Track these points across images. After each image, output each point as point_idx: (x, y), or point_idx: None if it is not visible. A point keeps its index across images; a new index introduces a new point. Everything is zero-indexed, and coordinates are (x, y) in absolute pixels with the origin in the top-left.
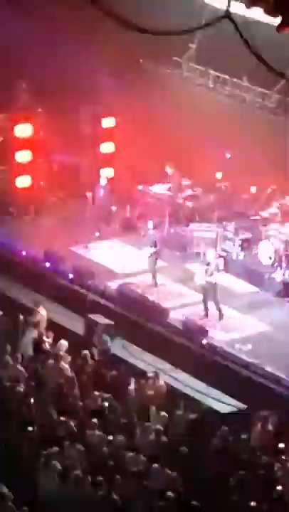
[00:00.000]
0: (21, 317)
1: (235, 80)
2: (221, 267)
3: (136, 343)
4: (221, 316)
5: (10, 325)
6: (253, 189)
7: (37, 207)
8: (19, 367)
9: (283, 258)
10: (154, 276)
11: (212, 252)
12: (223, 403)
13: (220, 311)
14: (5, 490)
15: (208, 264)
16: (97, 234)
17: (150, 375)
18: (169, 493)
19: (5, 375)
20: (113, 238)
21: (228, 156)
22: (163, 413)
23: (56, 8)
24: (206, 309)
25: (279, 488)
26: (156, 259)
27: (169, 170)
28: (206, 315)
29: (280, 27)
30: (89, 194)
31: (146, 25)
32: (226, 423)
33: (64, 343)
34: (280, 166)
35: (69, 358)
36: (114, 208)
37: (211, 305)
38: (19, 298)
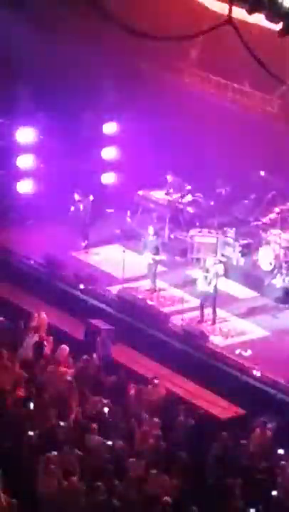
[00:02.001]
0: (22, 322)
1: (236, 85)
2: (221, 273)
3: (136, 348)
4: (214, 321)
5: (11, 330)
6: (254, 195)
7: (38, 211)
8: (19, 371)
9: (283, 264)
10: (153, 281)
11: (211, 259)
12: (223, 408)
13: (214, 316)
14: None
15: (207, 271)
16: (83, 244)
17: (150, 380)
18: (168, 499)
19: (5, 380)
20: (114, 243)
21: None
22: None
23: (58, 12)
24: (202, 315)
25: (278, 493)
26: (157, 264)
27: (169, 178)
28: (202, 320)
29: (282, 33)
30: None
31: (148, 30)
32: (225, 428)
33: (64, 348)
34: (281, 172)
35: (69, 363)
36: (111, 211)
37: (207, 311)
38: (20, 303)
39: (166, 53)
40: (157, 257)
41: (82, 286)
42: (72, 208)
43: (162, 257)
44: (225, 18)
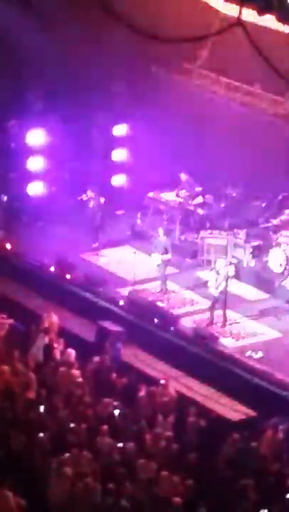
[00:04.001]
0: (33, 324)
1: (247, 87)
2: (232, 274)
3: (146, 349)
4: (224, 323)
5: (22, 332)
6: (264, 196)
7: (48, 213)
8: (30, 374)
9: None
10: (164, 283)
11: (222, 261)
12: (234, 410)
13: (225, 318)
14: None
15: (217, 272)
16: (94, 246)
17: (161, 382)
18: (179, 500)
19: (16, 382)
20: (124, 245)
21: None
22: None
23: (69, 15)
24: (213, 317)
25: None
26: (166, 266)
27: (183, 177)
28: (212, 322)
29: None
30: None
31: (158, 32)
32: (237, 430)
33: (72, 351)
34: None
35: (79, 365)
36: (122, 212)
37: (218, 313)
38: (30, 305)
39: (176, 55)
40: (164, 257)
41: (92, 288)
42: (85, 197)
43: (168, 256)
44: (235, 19)
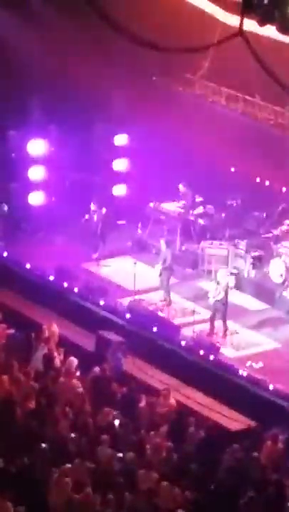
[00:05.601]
0: (33, 334)
1: (247, 97)
2: (233, 285)
3: (147, 359)
4: (224, 333)
5: (22, 342)
6: (265, 207)
7: (49, 223)
8: (31, 383)
9: None
10: (167, 293)
11: (222, 271)
12: (234, 420)
13: (226, 328)
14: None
15: (218, 283)
16: (94, 256)
17: (161, 391)
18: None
19: (16, 392)
20: (125, 255)
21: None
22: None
23: (69, 24)
24: (213, 327)
25: None
26: (170, 276)
27: (181, 188)
28: (212, 333)
29: None
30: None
31: (159, 42)
32: (237, 441)
33: (73, 360)
34: None
35: (79, 374)
36: (123, 222)
37: (218, 323)
38: (31, 315)
39: (177, 65)
40: (164, 266)
41: (93, 298)
42: (87, 216)
43: (164, 266)
44: (236, 30)
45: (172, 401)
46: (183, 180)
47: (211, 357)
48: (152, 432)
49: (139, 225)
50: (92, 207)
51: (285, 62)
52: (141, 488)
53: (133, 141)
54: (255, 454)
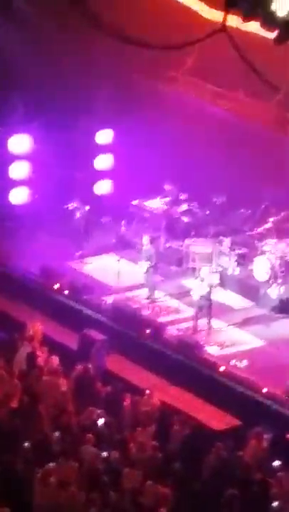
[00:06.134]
0: (16, 332)
1: (232, 93)
2: (217, 282)
3: (131, 358)
4: (208, 331)
5: (5, 340)
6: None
7: (32, 221)
8: (15, 381)
9: (279, 274)
10: (152, 291)
11: (207, 269)
12: (218, 419)
13: (210, 326)
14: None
15: (202, 280)
16: (77, 253)
17: (145, 390)
18: (163, 510)
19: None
20: (109, 253)
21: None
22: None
23: (52, 23)
24: (197, 325)
25: (274, 504)
26: (154, 274)
27: (166, 186)
28: (196, 331)
29: (277, 41)
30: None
31: (143, 38)
32: (221, 439)
33: (55, 358)
34: (277, 182)
35: (63, 373)
36: (107, 220)
37: (203, 321)
38: (15, 313)
39: (160, 62)
40: (148, 264)
41: (77, 296)
42: (71, 206)
43: (148, 263)
44: (219, 26)
45: (156, 400)
46: (167, 177)
47: (195, 355)
48: (137, 431)
49: (123, 222)
50: (75, 205)
51: (269, 58)
52: (125, 487)
53: (117, 138)
54: (240, 453)
